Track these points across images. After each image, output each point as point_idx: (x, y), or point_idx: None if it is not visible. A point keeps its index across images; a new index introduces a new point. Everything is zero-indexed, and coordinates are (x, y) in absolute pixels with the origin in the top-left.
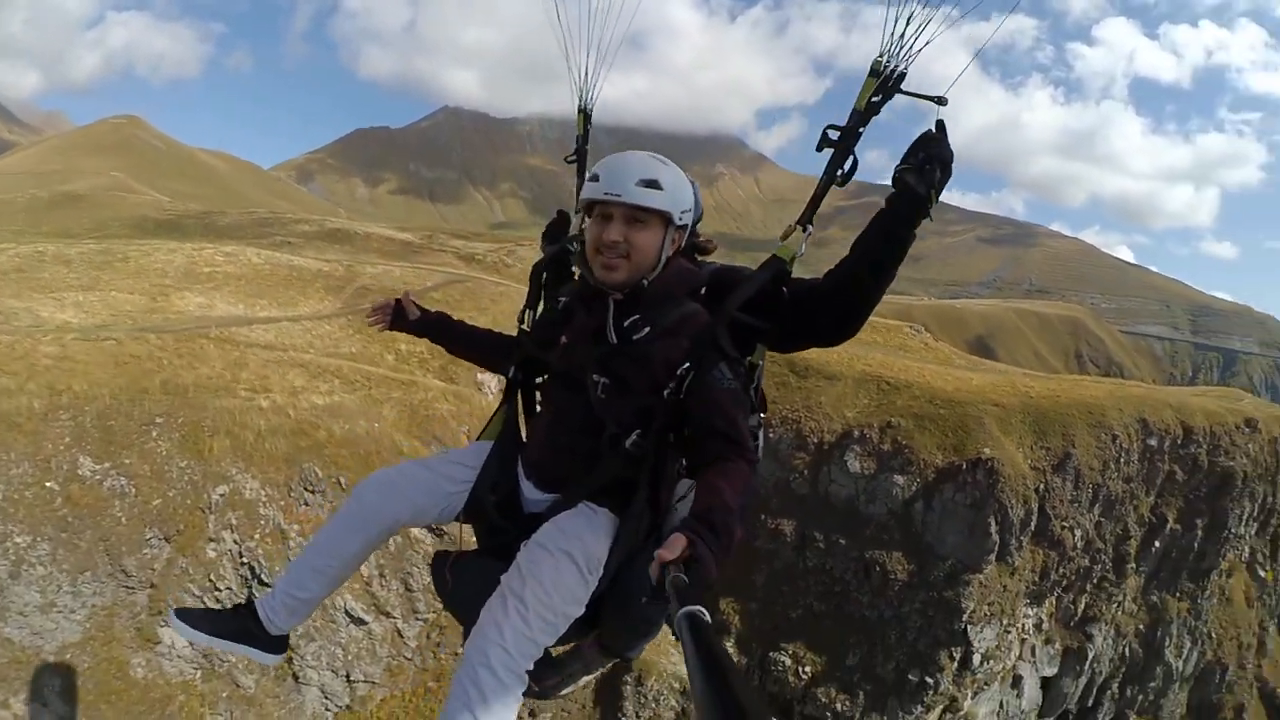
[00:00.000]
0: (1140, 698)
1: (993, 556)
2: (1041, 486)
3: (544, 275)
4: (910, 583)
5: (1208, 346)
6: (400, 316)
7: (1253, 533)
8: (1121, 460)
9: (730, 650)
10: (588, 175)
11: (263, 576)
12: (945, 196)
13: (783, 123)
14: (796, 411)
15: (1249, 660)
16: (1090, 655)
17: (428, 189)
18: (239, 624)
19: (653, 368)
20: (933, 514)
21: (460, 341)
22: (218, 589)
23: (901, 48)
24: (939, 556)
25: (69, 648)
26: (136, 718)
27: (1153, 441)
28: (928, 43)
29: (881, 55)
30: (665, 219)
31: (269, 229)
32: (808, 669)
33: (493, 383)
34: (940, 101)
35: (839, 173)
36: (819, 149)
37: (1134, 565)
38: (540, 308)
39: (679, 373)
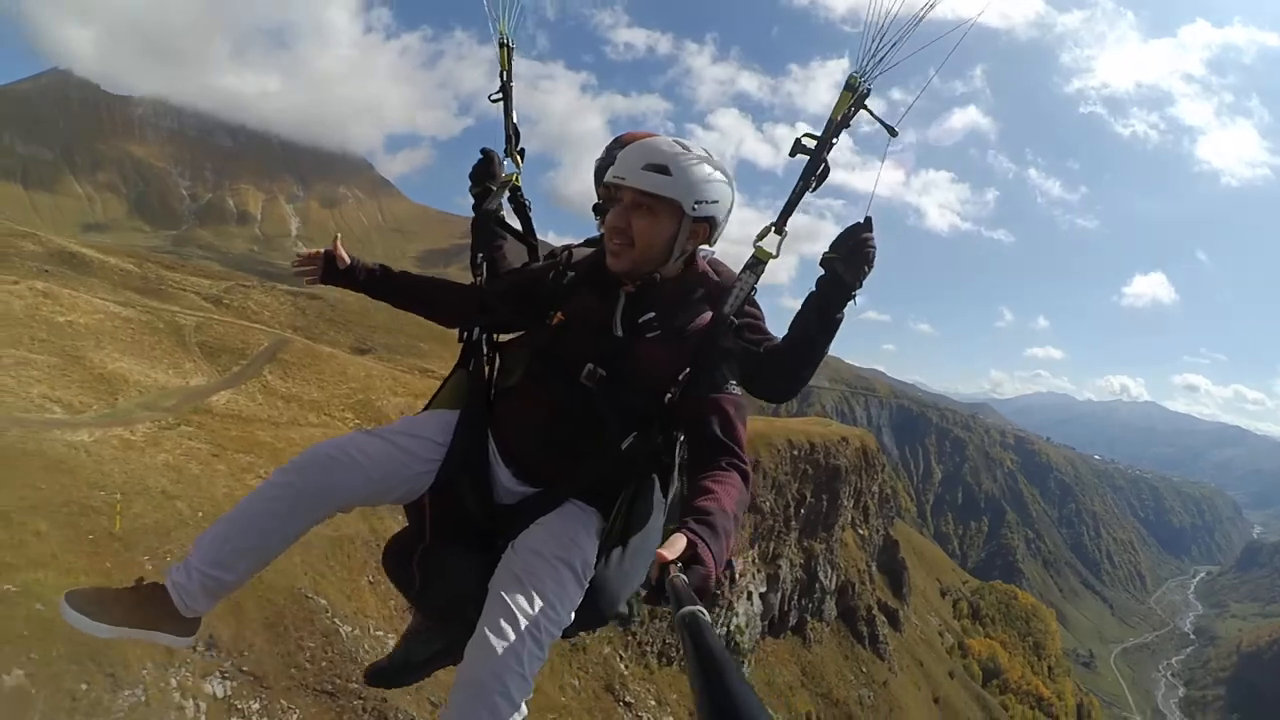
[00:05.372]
0: (809, 605)
1: None
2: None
3: (486, 228)
4: None
5: None
6: (331, 268)
7: (852, 505)
8: (782, 462)
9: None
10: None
11: None
12: None
13: (412, 149)
14: None
15: (867, 582)
16: (780, 579)
17: (20, 169)
18: (147, 610)
19: (658, 370)
20: None
21: (406, 294)
22: None
23: (873, 66)
24: None
25: None
26: None
27: (795, 452)
28: (896, 64)
29: (857, 72)
30: (675, 208)
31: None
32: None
33: None
34: (891, 132)
35: (813, 178)
36: (792, 155)
37: (794, 523)
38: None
39: (681, 378)
